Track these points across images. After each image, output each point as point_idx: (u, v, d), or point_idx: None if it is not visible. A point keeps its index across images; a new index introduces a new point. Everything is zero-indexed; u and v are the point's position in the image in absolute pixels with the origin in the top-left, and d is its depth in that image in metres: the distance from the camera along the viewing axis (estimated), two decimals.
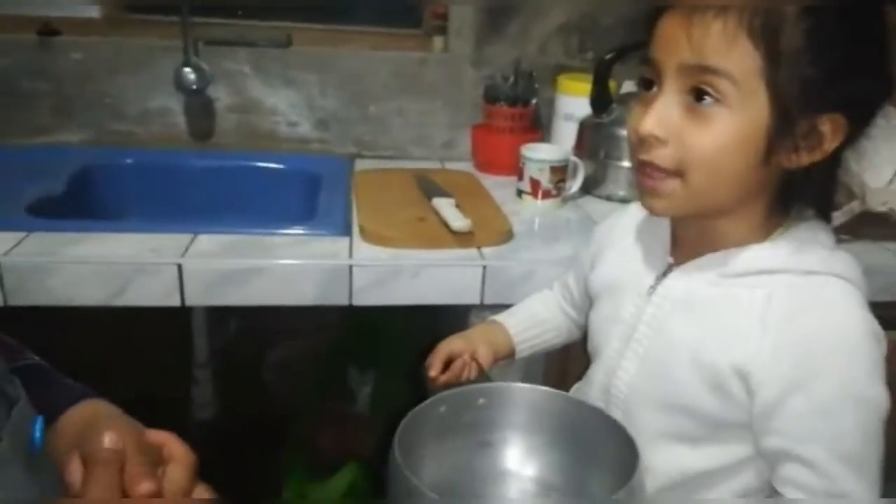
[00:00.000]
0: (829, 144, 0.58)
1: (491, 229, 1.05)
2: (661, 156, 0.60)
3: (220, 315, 1.44)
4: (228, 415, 1.50)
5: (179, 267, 0.92)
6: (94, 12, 1.38)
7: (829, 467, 0.58)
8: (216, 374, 1.46)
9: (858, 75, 0.56)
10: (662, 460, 0.67)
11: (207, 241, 0.98)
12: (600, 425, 0.66)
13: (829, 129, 0.58)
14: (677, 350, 0.66)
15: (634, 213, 0.79)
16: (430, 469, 0.66)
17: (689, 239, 0.69)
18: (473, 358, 0.82)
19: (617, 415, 0.70)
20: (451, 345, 0.84)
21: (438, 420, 0.68)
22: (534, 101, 1.39)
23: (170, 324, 1.35)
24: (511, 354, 0.88)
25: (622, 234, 0.79)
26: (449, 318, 1.03)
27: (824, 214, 0.66)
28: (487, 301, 0.99)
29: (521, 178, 1.20)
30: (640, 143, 0.61)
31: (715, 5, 0.55)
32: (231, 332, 1.52)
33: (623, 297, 0.73)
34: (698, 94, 0.57)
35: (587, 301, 0.83)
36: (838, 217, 1.03)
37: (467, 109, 1.45)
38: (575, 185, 1.23)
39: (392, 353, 1.40)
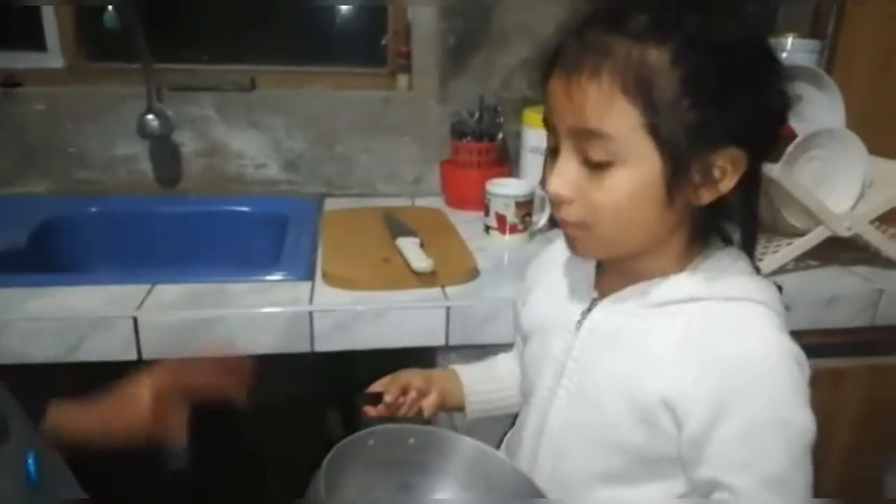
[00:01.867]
0: (731, 178, 0.59)
1: (455, 268, 1.03)
2: (569, 212, 0.61)
3: None
4: (203, 463, 1.47)
5: (135, 320, 0.90)
6: (56, 63, 1.38)
7: (758, 494, 0.57)
8: (189, 423, 1.42)
9: (741, 110, 0.56)
10: (597, 500, 0.66)
11: (166, 292, 0.97)
12: (520, 486, 0.67)
13: (728, 164, 0.58)
14: (606, 384, 0.65)
15: (561, 248, 0.78)
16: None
17: (612, 272, 0.69)
18: (419, 399, 0.80)
19: (547, 459, 0.70)
20: (411, 378, 0.82)
21: (366, 452, 0.67)
22: (500, 135, 1.39)
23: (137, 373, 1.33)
24: (460, 407, 0.85)
25: (549, 269, 0.79)
26: (425, 358, 1.01)
27: (748, 242, 0.66)
28: (453, 342, 0.97)
29: (487, 213, 1.20)
30: (551, 201, 0.63)
31: (587, 68, 0.55)
32: None
33: (552, 333, 0.72)
34: (589, 155, 0.58)
35: None
36: (803, 244, 1.03)
37: (435, 145, 1.45)
38: (542, 219, 1.22)
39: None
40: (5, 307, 0.92)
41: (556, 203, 0.62)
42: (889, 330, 1.06)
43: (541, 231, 1.23)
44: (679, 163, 0.57)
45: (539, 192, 1.21)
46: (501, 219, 1.17)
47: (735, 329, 0.60)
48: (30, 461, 0.51)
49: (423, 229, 1.16)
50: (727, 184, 0.59)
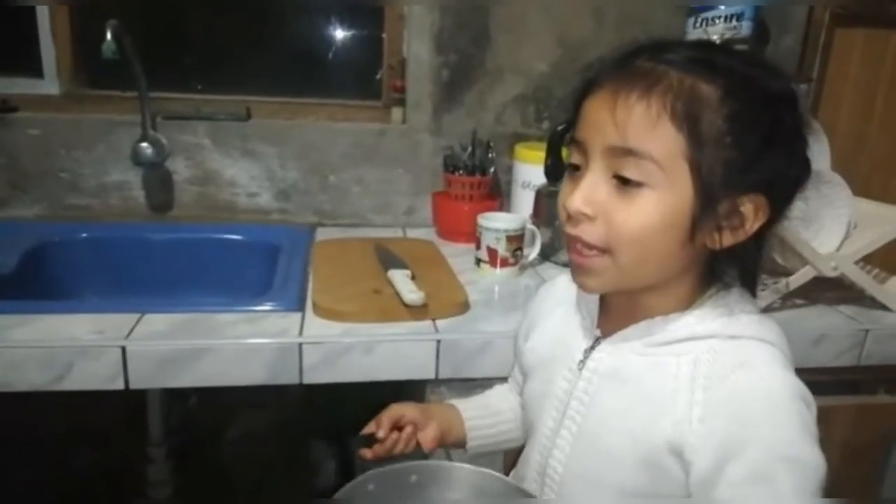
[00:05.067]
0: (751, 225, 0.60)
1: (446, 301, 1.04)
2: (589, 232, 0.60)
3: (177, 391, 1.41)
4: (186, 492, 1.45)
5: (123, 349, 0.90)
6: (53, 89, 1.39)
7: None
8: (172, 452, 1.41)
9: (776, 159, 0.58)
10: None
11: (155, 321, 0.96)
12: None
13: (751, 210, 0.59)
14: (610, 425, 0.65)
15: (566, 282, 0.78)
16: None
17: (616, 311, 0.69)
18: (415, 433, 0.79)
19: (551, 497, 0.68)
20: (404, 410, 0.80)
21: (368, 499, 0.65)
22: (492, 169, 1.40)
23: (124, 400, 1.31)
24: (462, 443, 0.84)
25: (553, 305, 0.79)
26: (412, 388, 1.01)
27: (749, 285, 0.67)
28: (443, 375, 0.97)
29: (478, 246, 1.20)
30: (569, 218, 0.61)
31: (638, 88, 0.57)
32: (189, 408, 1.48)
33: (554, 371, 0.72)
34: (623, 175, 0.58)
35: None
36: (792, 283, 1.04)
37: (427, 177, 1.46)
38: (533, 253, 1.23)
39: (356, 426, 1.37)
40: None
41: (576, 220, 0.61)
42: (875, 369, 1.07)
43: (531, 265, 1.24)
44: (710, 198, 0.57)
45: (530, 226, 1.23)
46: (493, 252, 1.18)
47: (742, 367, 0.60)
48: None
49: (414, 261, 1.17)
50: (746, 231, 0.60)
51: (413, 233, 1.45)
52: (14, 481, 1.35)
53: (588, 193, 0.59)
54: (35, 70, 1.38)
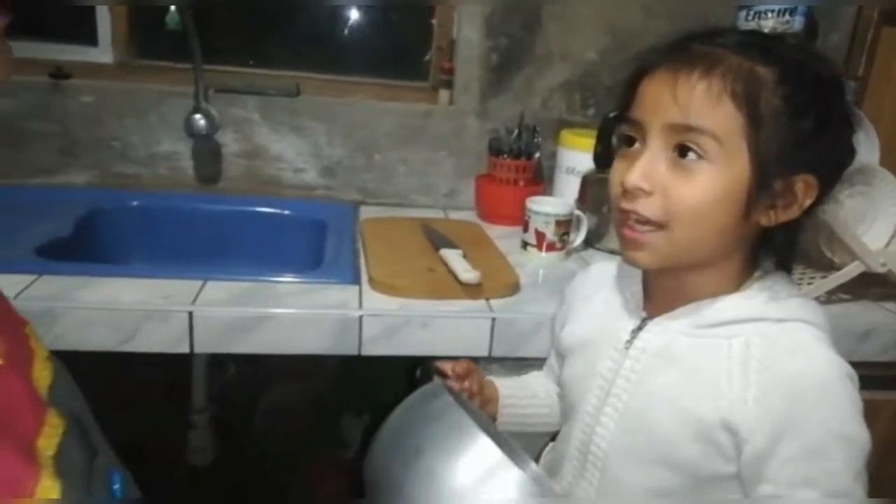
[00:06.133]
0: (801, 205, 0.63)
1: (499, 281, 1.06)
2: (647, 205, 0.62)
3: (218, 360, 1.43)
4: (225, 461, 1.48)
5: (190, 314, 0.92)
6: (106, 58, 1.40)
7: None
8: (213, 420, 1.44)
9: (826, 140, 0.61)
10: None
11: (216, 288, 0.98)
12: None
13: (802, 189, 0.62)
14: (659, 402, 0.67)
15: (604, 268, 0.82)
16: None
17: (662, 292, 0.71)
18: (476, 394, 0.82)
19: (595, 474, 0.71)
20: (474, 369, 0.83)
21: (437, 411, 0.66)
22: (537, 154, 1.42)
23: (168, 369, 1.34)
24: (493, 417, 0.86)
25: (592, 290, 0.81)
26: None
27: (786, 267, 0.70)
28: (496, 353, 0.99)
29: (525, 230, 1.22)
30: (625, 194, 0.63)
31: (699, 68, 0.59)
32: (228, 378, 1.51)
33: (597, 352, 0.74)
34: (682, 151, 0.61)
35: None
36: (838, 278, 1.05)
37: (471, 160, 1.48)
38: (578, 239, 1.25)
39: (386, 400, 1.39)
40: (59, 295, 0.93)
41: (633, 195, 0.62)
42: None
43: (576, 250, 1.26)
44: (766, 175, 0.60)
45: (576, 211, 1.24)
46: (541, 236, 1.19)
47: (793, 349, 0.63)
48: (115, 478, 0.52)
49: (462, 242, 1.18)
50: (796, 210, 0.63)
51: (454, 214, 1.46)
52: None
53: (647, 169, 0.62)
54: (89, 38, 1.39)
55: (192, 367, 1.37)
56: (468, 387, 0.80)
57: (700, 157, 0.60)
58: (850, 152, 0.64)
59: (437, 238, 1.19)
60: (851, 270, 1.05)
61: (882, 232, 1.06)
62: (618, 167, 0.66)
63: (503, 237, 1.30)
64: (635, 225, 0.64)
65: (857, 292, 1.11)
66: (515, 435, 0.86)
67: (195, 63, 1.30)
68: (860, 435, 0.61)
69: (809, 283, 1.07)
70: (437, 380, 0.69)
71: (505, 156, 1.40)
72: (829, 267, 1.08)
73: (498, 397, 0.87)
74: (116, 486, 0.50)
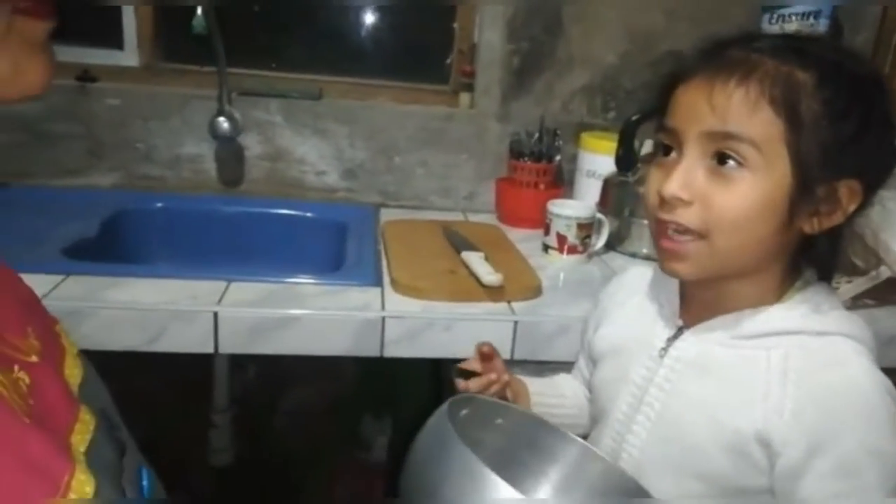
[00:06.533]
0: (846, 209, 0.61)
1: (521, 284, 1.06)
2: (686, 215, 0.61)
3: (239, 360, 1.45)
4: (245, 460, 1.49)
5: (215, 315, 0.93)
6: (132, 61, 1.42)
7: None
8: (234, 420, 1.45)
9: (870, 143, 0.59)
10: None
11: (241, 290, 0.99)
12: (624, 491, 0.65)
13: (846, 195, 0.60)
14: (693, 412, 0.66)
15: (640, 273, 0.81)
16: None
17: (701, 300, 0.70)
18: (506, 386, 0.81)
19: None
20: (502, 363, 0.82)
21: (458, 423, 0.65)
22: (558, 157, 1.42)
23: (189, 369, 1.35)
24: None
25: (627, 295, 0.80)
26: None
27: (827, 277, 0.68)
28: (518, 356, 0.99)
29: (547, 233, 1.22)
30: (663, 204, 0.62)
31: (736, 75, 0.59)
32: (249, 379, 1.52)
33: (631, 358, 0.73)
34: (721, 159, 0.59)
35: None
36: (863, 283, 1.04)
37: (491, 163, 1.48)
38: (600, 242, 1.24)
39: (408, 402, 1.40)
40: (86, 295, 0.94)
41: (671, 206, 0.62)
42: None
43: (598, 253, 1.26)
44: (807, 181, 0.58)
45: (598, 214, 1.24)
46: (562, 239, 1.19)
47: (833, 363, 0.61)
48: (143, 475, 0.52)
49: (483, 245, 1.19)
50: (840, 216, 0.61)
51: (474, 217, 1.47)
52: None
53: (685, 178, 0.61)
54: (115, 42, 1.41)
55: (213, 367, 1.38)
56: (492, 378, 0.79)
57: (740, 164, 0.59)
58: (894, 154, 0.62)
59: (458, 240, 1.19)
60: (879, 276, 1.04)
61: None
62: (654, 176, 0.65)
63: (524, 240, 1.30)
64: (674, 235, 0.63)
65: (884, 297, 1.09)
66: None
67: (219, 66, 1.32)
68: (894, 451, 0.60)
69: (836, 287, 1.05)
70: (442, 407, 0.62)
71: (526, 159, 1.40)
72: (853, 271, 1.07)
73: (528, 393, 0.86)
74: (145, 483, 0.51)
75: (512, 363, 1.00)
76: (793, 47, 0.60)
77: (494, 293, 1.02)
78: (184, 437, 1.42)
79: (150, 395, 1.38)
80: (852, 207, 0.61)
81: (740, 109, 0.58)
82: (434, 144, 1.46)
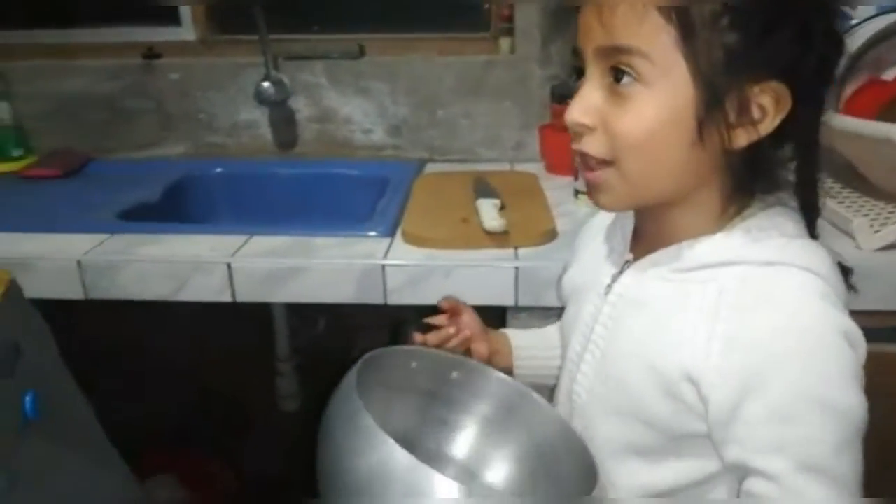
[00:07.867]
0: (772, 119, 0.54)
1: (531, 230, 1.03)
2: (591, 143, 0.58)
3: (304, 311, 1.53)
4: (313, 406, 1.58)
5: (229, 266, 0.99)
6: (190, 35, 1.52)
7: (795, 480, 0.52)
8: (299, 368, 1.54)
9: (787, 38, 0.51)
10: (624, 475, 0.64)
11: (260, 243, 1.05)
12: (563, 441, 0.64)
13: (770, 102, 0.53)
14: (630, 353, 0.63)
15: (603, 215, 0.76)
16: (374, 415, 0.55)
17: (647, 234, 0.66)
18: (471, 340, 0.80)
19: (578, 424, 0.67)
20: (470, 316, 0.82)
21: (405, 373, 0.66)
22: None
23: (254, 318, 1.45)
24: (507, 370, 0.83)
25: (591, 236, 0.77)
26: (495, 317, 1.02)
27: (808, 205, 0.61)
28: (522, 303, 0.98)
29: (576, 177, 1.18)
30: (572, 133, 0.59)
31: None
32: (317, 330, 1.61)
33: (584, 297, 0.70)
34: (617, 75, 0.55)
35: None
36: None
37: (536, 110, 1.44)
38: None
39: None
40: (124, 250, 1.04)
41: (577, 134, 0.58)
42: None
43: None
44: (714, 91, 0.53)
45: None
46: None
47: (772, 297, 0.55)
48: (27, 398, 0.56)
49: (511, 192, 1.17)
50: (767, 125, 0.54)
51: (521, 167, 1.44)
52: (151, 390, 1.52)
53: (584, 103, 0.57)
54: (174, 18, 1.51)
55: (273, 318, 1.48)
56: (450, 332, 0.79)
57: (634, 79, 0.54)
58: (833, 46, 0.54)
59: (481, 189, 1.18)
60: None
61: None
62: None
63: (561, 187, 1.26)
64: (587, 162, 0.59)
65: None
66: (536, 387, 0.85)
67: (261, 33, 1.38)
68: (845, 402, 0.53)
69: (876, 230, 0.93)
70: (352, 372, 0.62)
71: (567, 102, 1.34)
72: None
73: (510, 349, 0.85)
74: (28, 406, 0.55)
75: (518, 309, 0.99)
76: None
77: (500, 239, 1.00)
78: (252, 384, 1.53)
79: (223, 347, 1.50)
80: (780, 116, 0.54)
81: (627, 20, 0.53)
82: (475, 94, 1.44)
